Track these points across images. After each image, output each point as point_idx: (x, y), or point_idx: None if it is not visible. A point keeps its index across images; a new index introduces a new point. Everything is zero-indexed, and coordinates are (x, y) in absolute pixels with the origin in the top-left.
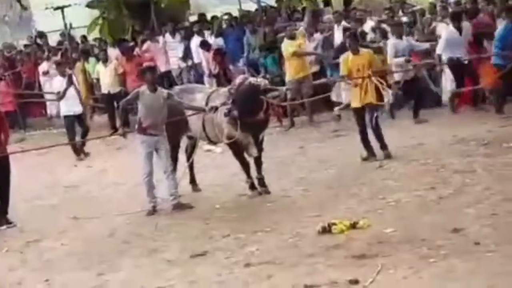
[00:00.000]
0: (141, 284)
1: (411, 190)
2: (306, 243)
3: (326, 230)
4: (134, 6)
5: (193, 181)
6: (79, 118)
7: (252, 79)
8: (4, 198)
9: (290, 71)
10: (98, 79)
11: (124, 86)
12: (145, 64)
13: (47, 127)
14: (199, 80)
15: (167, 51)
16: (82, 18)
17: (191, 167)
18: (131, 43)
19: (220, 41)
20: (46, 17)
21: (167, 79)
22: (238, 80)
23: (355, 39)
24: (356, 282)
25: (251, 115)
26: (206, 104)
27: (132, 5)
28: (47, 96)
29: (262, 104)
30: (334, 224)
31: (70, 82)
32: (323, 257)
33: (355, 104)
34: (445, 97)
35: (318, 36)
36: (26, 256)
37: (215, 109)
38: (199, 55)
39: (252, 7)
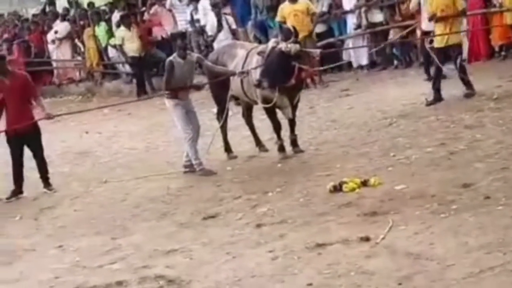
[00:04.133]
0: (153, 247)
1: (422, 146)
2: (317, 202)
3: (337, 188)
4: None
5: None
6: None
7: (283, 45)
8: (43, 164)
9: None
10: (120, 45)
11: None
12: (175, 31)
13: (58, 95)
14: (208, 44)
15: (175, 15)
16: None
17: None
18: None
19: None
20: None
21: (181, 39)
22: (270, 44)
23: None
24: (367, 239)
25: (281, 83)
26: (245, 60)
27: None
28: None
29: (293, 71)
30: (345, 182)
31: None
32: (335, 216)
33: (438, 44)
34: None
35: None
36: (40, 222)
37: (246, 73)
38: (206, 18)
39: None
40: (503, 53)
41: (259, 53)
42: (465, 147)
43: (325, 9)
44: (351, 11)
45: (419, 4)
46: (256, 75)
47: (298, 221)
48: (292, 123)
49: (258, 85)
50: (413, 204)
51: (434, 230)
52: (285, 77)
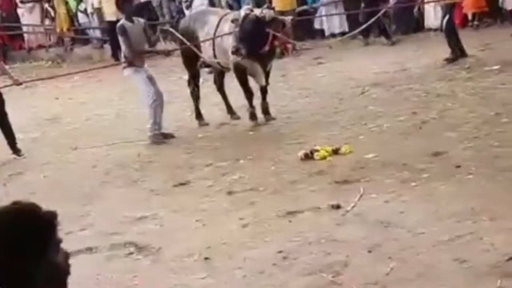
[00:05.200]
0: (124, 214)
1: (393, 115)
2: (289, 170)
3: (308, 156)
4: None
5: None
6: None
7: (257, 11)
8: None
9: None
10: (99, 8)
11: None
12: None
13: (27, 60)
14: (179, 10)
15: None
16: None
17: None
18: None
19: None
20: None
21: (147, 10)
22: (242, 11)
23: None
24: (338, 207)
25: (257, 49)
26: (217, 26)
27: None
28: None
29: (267, 37)
30: (316, 150)
31: None
32: (306, 184)
33: None
34: (428, 22)
35: None
36: (8, 189)
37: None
38: None
39: None
40: (475, 22)
41: (232, 21)
42: (437, 116)
43: None
44: None
45: None
46: (229, 42)
47: (269, 189)
48: (264, 90)
49: (236, 52)
50: (384, 172)
51: (405, 198)
52: (261, 44)
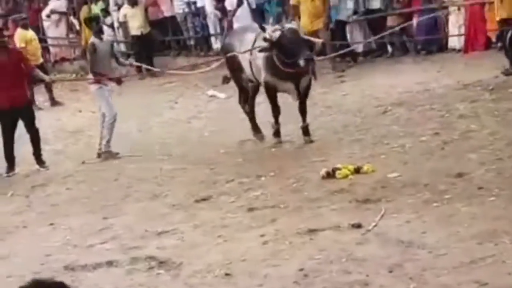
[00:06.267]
0: (145, 228)
1: (416, 135)
2: (310, 187)
3: (330, 175)
4: None
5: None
6: None
7: (292, 24)
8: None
9: (303, 20)
10: (125, 22)
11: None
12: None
13: (52, 73)
14: (203, 26)
15: None
16: None
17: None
18: None
19: None
20: None
21: (171, 24)
22: (271, 29)
23: None
24: (359, 226)
25: (295, 62)
26: (253, 45)
27: None
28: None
29: (305, 49)
30: (338, 169)
31: None
32: (327, 202)
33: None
34: (451, 42)
35: None
36: (31, 200)
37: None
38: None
39: None
40: (499, 43)
41: (265, 39)
42: (459, 137)
43: None
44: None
45: None
46: (260, 59)
47: (290, 206)
48: (302, 111)
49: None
50: (405, 192)
51: (426, 219)
52: (299, 56)
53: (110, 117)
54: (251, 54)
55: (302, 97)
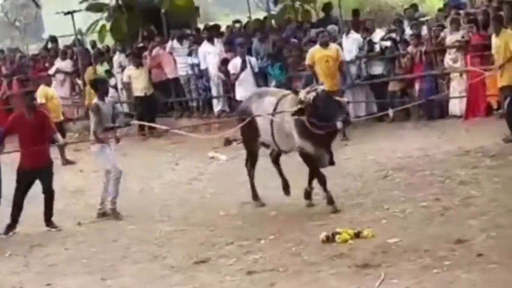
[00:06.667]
0: None
1: (416, 200)
2: (310, 251)
3: (330, 239)
4: (144, 12)
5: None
6: None
7: (322, 87)
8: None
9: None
10: (128, 83)
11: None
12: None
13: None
14: (206, 88)
15: (175, 58)
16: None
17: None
18: (139, 48)
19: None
20: (56, 21)
21: (174, 86)
22: (308, 90)
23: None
24: None
25: (331, 125)
26: (275, 109)
27: (141, 11)
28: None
29: (340, 112)
30: (338, 233)
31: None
32: (327, 266)
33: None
34: (452, 109)
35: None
36: (29, 260)
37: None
38: (206, 61)
39: (262, 15)
40: (500, 110)
41: (300, 102)
42: (460, 203)
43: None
44: (352, 62)
45: None
46: (289, 123)
47: (289, 270)
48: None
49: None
50: (405, 258)
51: (426, 285)
52: (334, 119)
53: (115, 172)
54: (272, 117)
55: (331, 161)
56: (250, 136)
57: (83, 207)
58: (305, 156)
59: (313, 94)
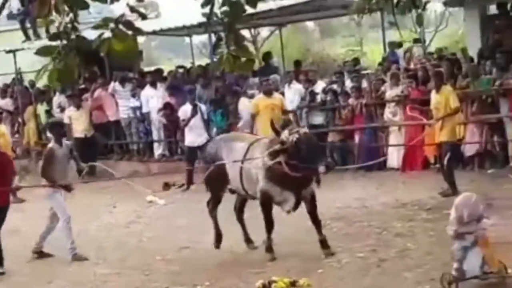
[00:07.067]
0: None
1: (353, 251)
2: None
3: (266, 287)
4: (86, 55)
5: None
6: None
7: (303, 129)
8: None
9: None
10: (68, 125)
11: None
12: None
13: None
14: (147, 131)
15: (117, 100)
16: (33, 63)
17: (242, 224)
18: (81, 89)
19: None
20: None
21: (115, 129)
22: (289, 131)
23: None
24: None
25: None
26: (245, 155)
27: (84, 54)
28: None
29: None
30: (274, 281)
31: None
32: None
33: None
34: (391, 161)
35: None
36: None
37: None
38: (148, 105)
39: (205, 61)
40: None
41: (282, 142)
42: (396, 255)
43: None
44: (293, 111)
45: None
46: (257, 168)
47: None
48: (316, 221)
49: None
50: None
51: None
52: (321, 156)
53: (65, 219)
54: (242, 163)
55: (312, 208)
56: (218, 182)
57: (18, 246)
58: (265, 199)
59: (296, 135)
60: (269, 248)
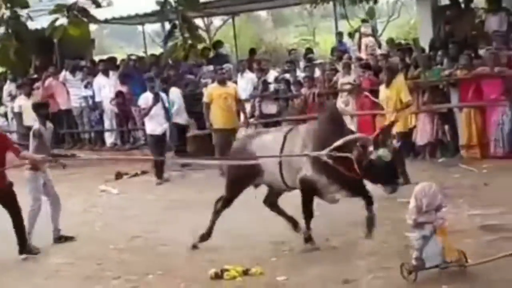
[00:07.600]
0: None
1: None
2: None
3: (219, 275)
4: (37, 42)
5: None
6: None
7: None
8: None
9: (216, 120)
10: (20, 113)
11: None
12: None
13: None
14: (98, 121)
15: (68, 89)
16: None
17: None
18: (32, 78)
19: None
20: None
21: (66, 118)
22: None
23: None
24: None
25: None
26: (282, 147)
27: (34, 41)
28: None
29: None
30: (227, 270)
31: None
32: None
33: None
34: None
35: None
36: None
37: None
38: (100, 94)
39: (157, 50)
40: None
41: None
42: (349, 244)
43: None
44: (246, 100)
45: None
46: (302, 159)
47: None
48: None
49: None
50: None
51: None
52: None
53: (33, 208)
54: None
55: (365, 198)
56: (247, 178)
57: None
58: (310, 189)
59: (376, 153)
60: (309, 238)
